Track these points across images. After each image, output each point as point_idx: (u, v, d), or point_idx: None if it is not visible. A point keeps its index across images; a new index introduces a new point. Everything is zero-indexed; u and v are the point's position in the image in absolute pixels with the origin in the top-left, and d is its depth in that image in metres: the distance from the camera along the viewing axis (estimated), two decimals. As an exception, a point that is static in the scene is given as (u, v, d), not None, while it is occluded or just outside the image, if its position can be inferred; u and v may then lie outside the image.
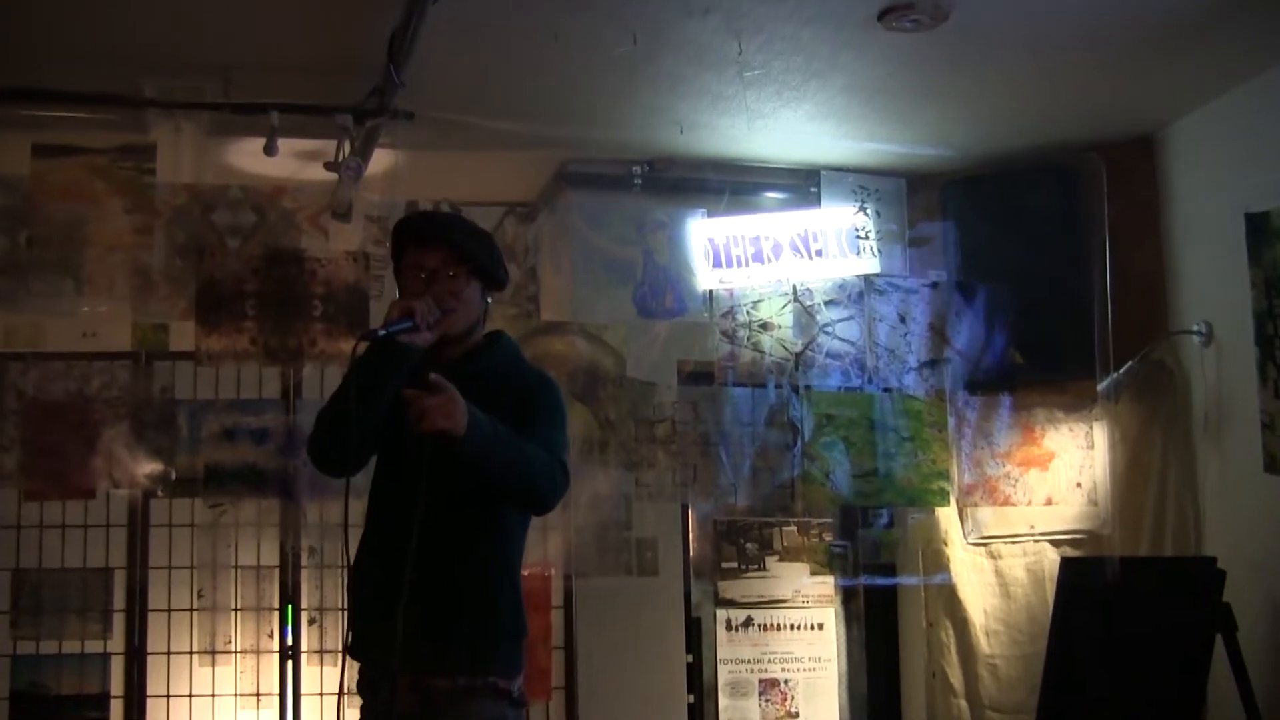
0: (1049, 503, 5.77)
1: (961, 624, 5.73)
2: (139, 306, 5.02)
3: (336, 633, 5.32)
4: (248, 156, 5.24)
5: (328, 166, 4.99)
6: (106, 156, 4.99)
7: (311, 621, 5.39)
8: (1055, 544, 5.75)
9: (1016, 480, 5.76)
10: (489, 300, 3.12)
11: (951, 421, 5.65)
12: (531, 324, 5.39)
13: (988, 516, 5.75)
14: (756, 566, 5.89)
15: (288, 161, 5.15)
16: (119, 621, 5.28)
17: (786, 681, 5.81)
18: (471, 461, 2.79)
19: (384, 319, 2.89)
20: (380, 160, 5.17)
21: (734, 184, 5.70)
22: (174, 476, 5.02)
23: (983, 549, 5.78)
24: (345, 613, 4.97)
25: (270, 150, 4.84)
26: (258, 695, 5.32)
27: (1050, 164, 5.65)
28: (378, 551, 3.03)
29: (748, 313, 5.57)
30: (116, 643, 5.28)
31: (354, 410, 2.84)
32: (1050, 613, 5.24)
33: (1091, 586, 5.05)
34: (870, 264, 5.71)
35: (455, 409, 2.72)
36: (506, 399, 2.96)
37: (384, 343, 2.86)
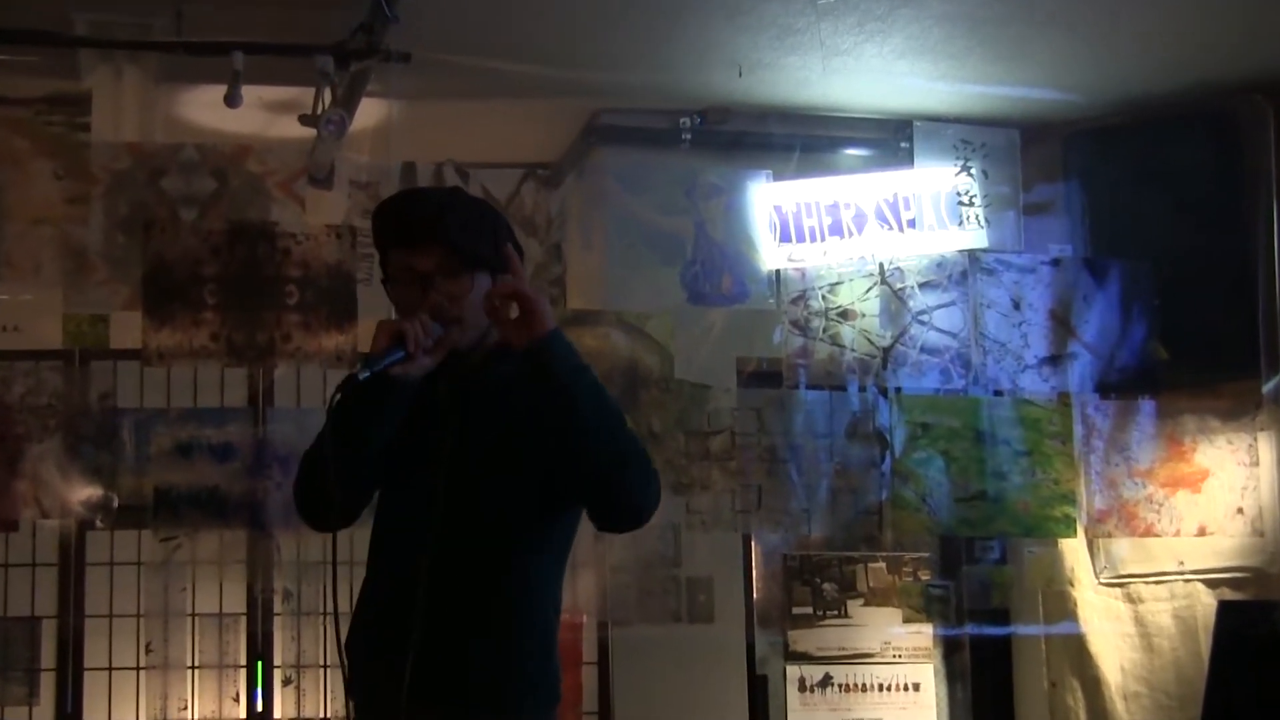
0: (1202, 533, 5.66)
1: (1093, 684, 5.70)
2: (72, 294, 5.00)
3: (317, 695, 5.33)
4: (205, 108, 5.23)
5: (304, 120, 4.96)
6: (30, 108, 4.97)
7: (287, 682, 5.37)
8: (1210, 584, 5.64)
9: (1161, 505, 5.67)
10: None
11: (1078, 432, 5.61)
12: (556, 313, 5.13)
13: (1124, 550, 5.72)
14: (836, 612, 5.77)
15: (254, 114, 5.19)
16: (47, 683, 5.21)
17: (874, 755, 5.77)
18: (556, 386, 2.72)
19: (371, 344, 2.79)
20: (369, 112, 5.18)
21: (806, 139, 5.71)
22: (116, 503, 4.99)
23: (1118, 590, 5.75)
24: (326, 670, 5.33)
25: (233, 100, 4.81)
26: (220, 772, 5.35)
27: (1202, 109, 5.59)
28: (383, 599, 2.94)
29: (824, 298, 5.56)
30: (45, 709, 5.23)
31: (339, 467, 2.76)
32: (1205, 670, 5.15)
33: (1257, 637, 5.01)
34: (976, 236, 5.68)
35: (543, 306, 2.73)
36: (542, 412, 2.80)
37: (368, 380, 2.74)
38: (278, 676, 5.35)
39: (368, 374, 2.71)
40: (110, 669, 5.31)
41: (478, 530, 2.87)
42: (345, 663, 2.92)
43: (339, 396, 2.75)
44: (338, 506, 2.77)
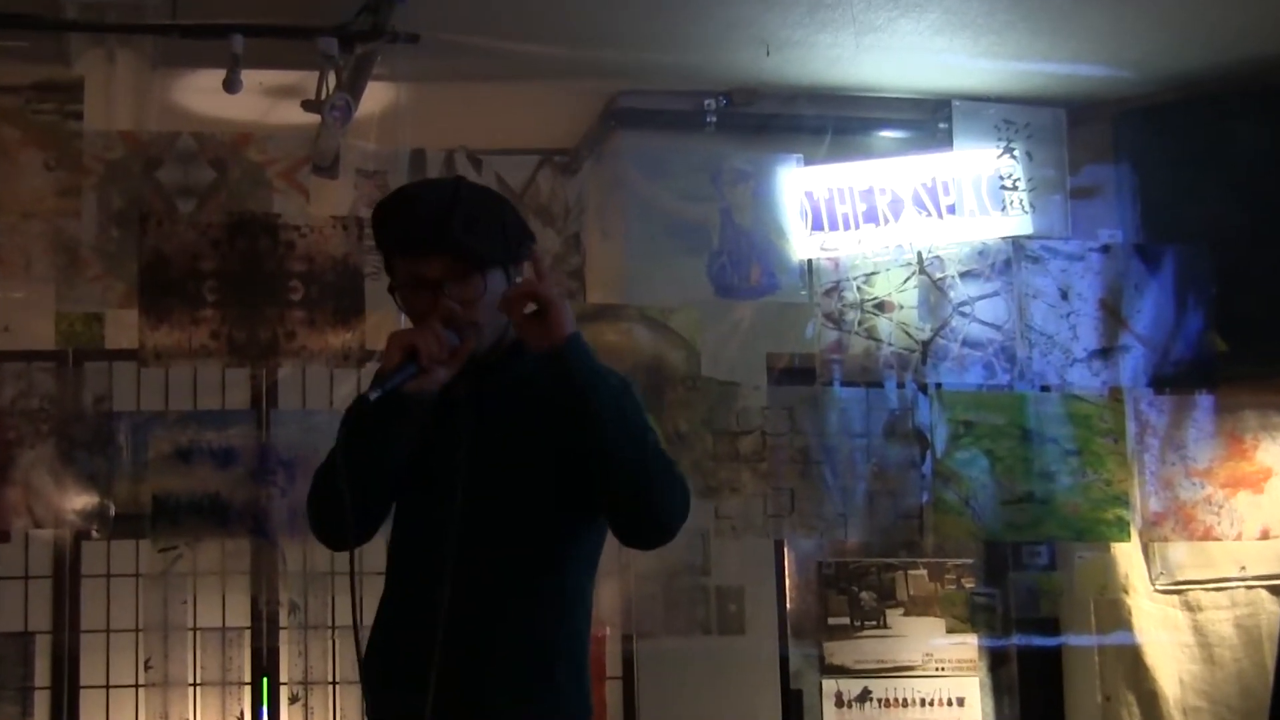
0: (1265, 536, 5.63)
1: (1149, 698, 5.64)
2: (64, 291, 5.00)
3: (325, 713, 5.29)
4: (202, 94, 5.25)
5: (307, 106, 4.96)
6: (18, 96, 4.96)
7: (294, 699, 5.29)
8: (1275, 590, 5.64)
9: (1221, 506, 5.64)
10: (519, 280, 2.89)
11: (1131, 429, 5.58)
12: (575, 308, 5.11)
13: (1182, 555, 5.67)
14: (875, 622, 5.81)
15: (255, 100, 5.22)
16: (42, 702, 5.19)
17: (916, 774, 5.84)
18: (573, 395, 2.69)
19: (383, 359, 2.76)
20: (375, 97, 5.18)
21: (838, 121, 5.69)
22: (113, 512, 4.96)
23: (1176, 598, 5.69)
24: (335, 687, 5.29)
25: (232, 86, 4.83)
26: (223, 795, 5.33)
27: (1260, 84, 5.56)
28: (401, 615, 2.93)
29: (859, 289, 5.52)
30: None
31: (353, 489, 2.76)
32: (1270, 682, 4.88)
33: (1327, 646, 4.97)
34: (1020, 222, 5.67)
35: (563, 310, 2.69)
36: (557, 412, 2.77)
37: (383, 402, 2.73)
38: (284, 694, 5.31)
39: (379, 394, 2.67)
40: (107, 687, 5.27)
41: (501, 539, 2.83)
42: (363, 684, 2.94)
43: (351, 418, 2.77)
44: (353, 529, 2.75)
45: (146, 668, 5.23)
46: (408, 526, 2.96)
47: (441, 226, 2.79)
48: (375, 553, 2.92)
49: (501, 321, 2.86)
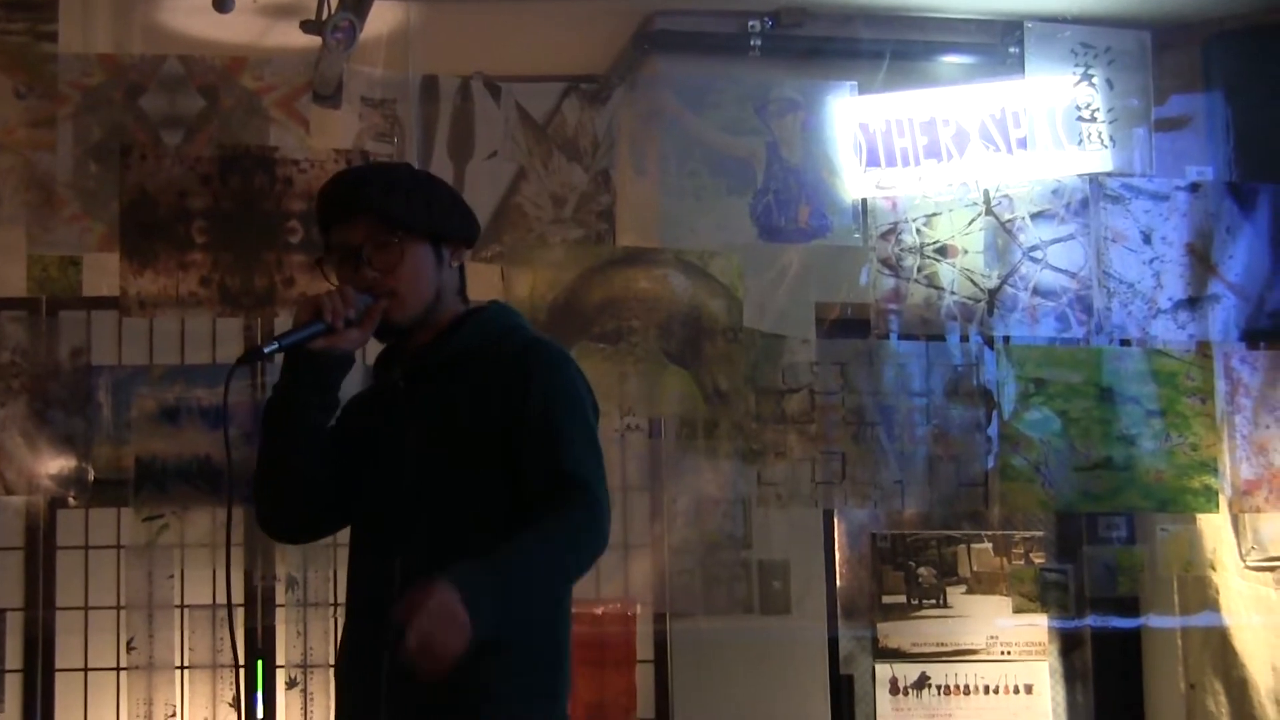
0: None
1: (1238, 686, 5.61)
2: (37, 233, 4.99)
3: (326, 699, 5.31)
4: (191, 14, 5.23)
5: (306, 27, 4.92)
6: None
7: (291, 684, 5.30)
8: None
9: None
10: (454, 264, 3.25)
11: (1220, 388, 5.54)
12: (604, 251, 5.33)
13: (1277, 528, 5.59)
14: (934, 601, 5.80)
15: (249, 21, 5.20)
16: (13, 686, 5.28)
17: (980, 769, 5.90)
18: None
19: (293, 321, 3.10)
20: (382, 17, 5.19)
21: (897, 45, 5.64)
22: (91, 477, 4.99)
23: (1269, 575, 5.61)
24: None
25: (223, 4, 4.85)
26: (214, 789, 5.39)
27: None
28: (356, 612, 3.18)
29: (918, 232, 5.48)
30: (11, 716, 5.30)
31: (269, 463, 3.15)
32: None
33: None
34: (1099, 158, 5.58)
35: (449, 624, 2.73)
36: (492, 389, 3.06)
37: (293, 358, 3.08)
38: (280, 677, 5.34)
39: (275, 346, 2.97)
40: (86, 669, 5.33)
41: (443, 527, 3.02)
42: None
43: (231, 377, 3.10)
44: (286, 500, 3.12)
45: (129, 649, 5.24)
46: (360, 524, 3.18)
47: (359, 188, 3.12)
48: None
49: (428, 297, 3.13)
